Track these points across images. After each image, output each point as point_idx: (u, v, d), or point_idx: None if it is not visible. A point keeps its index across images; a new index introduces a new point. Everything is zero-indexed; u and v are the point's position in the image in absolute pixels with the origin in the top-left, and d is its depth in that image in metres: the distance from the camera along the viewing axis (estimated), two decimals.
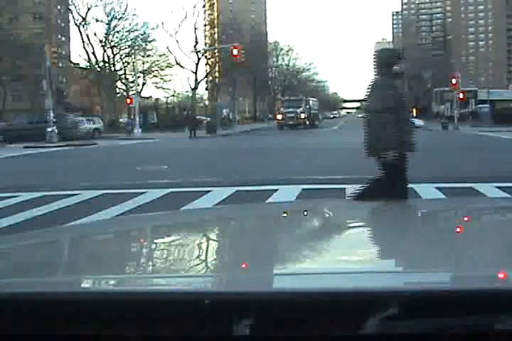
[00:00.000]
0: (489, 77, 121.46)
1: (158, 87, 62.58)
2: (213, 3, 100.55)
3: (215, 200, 8.36)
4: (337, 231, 1.52)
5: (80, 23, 54.63)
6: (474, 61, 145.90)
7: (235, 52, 36.57)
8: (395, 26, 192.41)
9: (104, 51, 55.88)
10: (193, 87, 57.08)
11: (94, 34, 61.17)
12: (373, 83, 5.31)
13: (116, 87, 58.37)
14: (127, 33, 57.75)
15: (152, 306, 0.83)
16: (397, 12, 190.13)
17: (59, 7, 67.81)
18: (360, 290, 0.84)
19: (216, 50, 60.84)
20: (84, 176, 12.60)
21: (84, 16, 54.58)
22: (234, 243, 1.45)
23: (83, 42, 61.82)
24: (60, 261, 1.32)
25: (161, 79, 61.09)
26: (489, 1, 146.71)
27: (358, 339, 0.79)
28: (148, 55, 59.30)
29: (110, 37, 56.48)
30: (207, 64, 63.21)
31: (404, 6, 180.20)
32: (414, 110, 56.73)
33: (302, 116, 47.11)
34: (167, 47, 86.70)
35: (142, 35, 58.60)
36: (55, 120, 29.96)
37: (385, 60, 5.31)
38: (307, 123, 47.64)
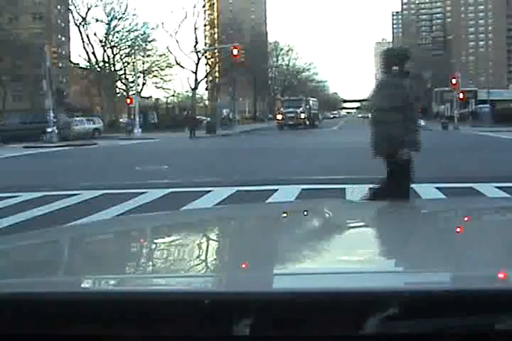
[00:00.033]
0: (489, 77, 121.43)
1: (158, 87, 62.69)
2: (213, 3, 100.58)
3: (215, 200, 8.36)
4: (337, 231, 1.52)
5: (80, 23, 54.74)
6: (474, 61, 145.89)
7: (235, 52, 36.57)
8: (395, 26, 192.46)
9: (104, 51, 55.96)
10: (193, 87, 57.14)
11: (94, 34, 61.29)
12: (380, 82, 5.31)
13: (116, 87, 58.41)
14: (127, 33, 57.88)
15: (152, 306, 0.83)
16: (397, 12, 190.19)
17: (59, 7, 67.80)
18: (360, 290, 0.84)
19: (216, 50, 60.86)
20: (84, 176, 12.60)
21: (84, 16, 54.70)
22: (234, 243, 1.45)
23: (83, 42, 61.96)
24: (60, 261, 1.32)
25: (161, 79, 61.19)
26: (489, 1, 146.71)
27: (358, 339, 0.78)
28: (148, 55, 59.39)
29: (110, 37, 56.57)
30: (207, 64, 63.24)
31: (404, 6, 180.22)
32: None
33: (302, 116, 47.10)
34: (167, 47, 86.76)
35: (142, 35, 58.72)
36: (55, 120, 30.01)
37: (392, 59, 5.31)
38: (307, 123, 47.62)
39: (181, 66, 58.77)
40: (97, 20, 57.31)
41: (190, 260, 1.22)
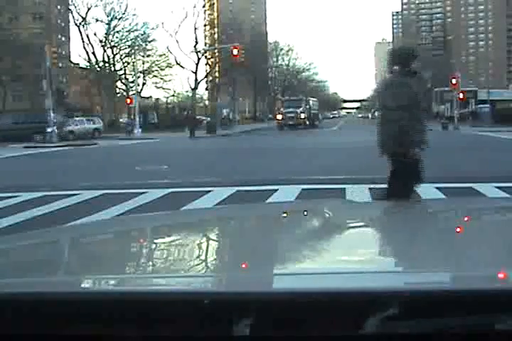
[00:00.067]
0: (489, 77, 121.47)
1: (158, 87, 62.71)
2: (213, 3, 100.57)
3: (215, 200, 8.36)
4: (337, 231, 1.52)
5: (80, 23, 54.75)
6: (474, 61, 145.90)
7: (235, 52, 36.57)
8: (395, 26, 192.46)
9: (104, 51, 55.97)
10: (193, 87, 57.14)
11: (94, 34, 61.26)
12: (388, 81, 5.33)
13: (116, 87, 58.42)
14: (127, 33, 57.90)
15: (152, 306, 0.83)
16: (397, 12, 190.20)
17: (59, 7, 67.80)
18: (360, 290, 0.84)
19: (216, 50, 60.85)
20: (84, 176, 12.60)
21: (84, 16, 54.72)
22: (234, 243, 1.45)
23: (83, 42, 61.97)
24: (60, 261, 1.32)
25: (161, 79, 61.20)
26: (489, 1, 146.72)
27: (358, 339, 0.78)
28: (148, 55, 59.40)
29: (110, 37, 56.58)
30: (207, 64, 63.24)
31: (404, 6, 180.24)
32: None
33: (302, 116, 47.10)
34: (167, 47, 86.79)
35: (142, 35, 58.74)
36: (55, 120, 30.02)
37: (400, 58, 5.32)
38: (307, 123, 47.62)
39: (181, 66, 58.82)
40: (97, 20, 57.37)
41: (190, 260, 1.22)
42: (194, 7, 69.15)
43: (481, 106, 48.13)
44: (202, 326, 0.81)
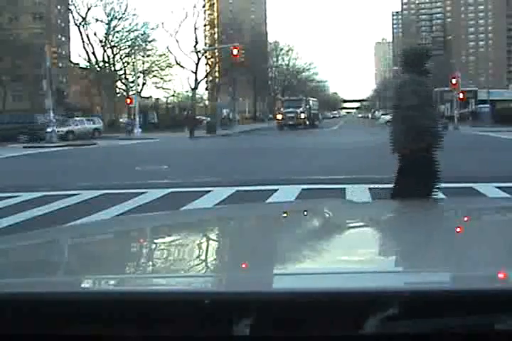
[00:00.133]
0: (489, 77, 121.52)
1: (158, 87, 62.70)
2: (213, 3, 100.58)
3: (215, 200, 8.36)
4: (337, 231, 1.52)
5: (80, 23, 54.72)
6: (474, 61, 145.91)
7: (235, 52, 36.55)
8: (395, 26, 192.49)
9: (104, 51, 55.95)
10: (193, 87, 57.11)
11: (94, 34, 61.24)
12: (402, 80, 5.38)
13: (116, 87, 58.39)
14: (127, 33, 57.87)
15: (152, 306, 0.83)
16: (397, 12, 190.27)
17: (59, 7, 67.79)
18: (360, 290, 0.84)
19: (216, 50, 60.87)
20: (84, 176, 12.60)
21: (84, 16, 54.69)
22: (234, 243, 1.45)
23: (83, 42, 61.92)
24: (60, 261, 1.32)
25: (161, 79, 61.18)
26: (489, 1, 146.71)
27: (358, 339, 0.78)
28: (148, 55, 59.38)
29: (110, 37, 56.56)
30: (207, 64, 63.23)
31: (404, 6, 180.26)
32: None
33: (302, 116, 47.10)
34: (167, 47, 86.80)
35: (142, 35, 58.71)
36: (54, 120, 30.04)
37: (413, 57, 5.40)
38: (307, 123, 47.62)
39: (181, 66, 58.81)
40: (97, 20, 57.45)
41: (190, 260, 1.23)
42: (194, 7, 69.16)
43: (481, 106, 48.11)
44: (202, 326, 0.81)
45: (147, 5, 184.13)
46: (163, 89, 63.34)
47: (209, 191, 9.32)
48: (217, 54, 62.88)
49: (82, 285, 1.01)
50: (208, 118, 47.16)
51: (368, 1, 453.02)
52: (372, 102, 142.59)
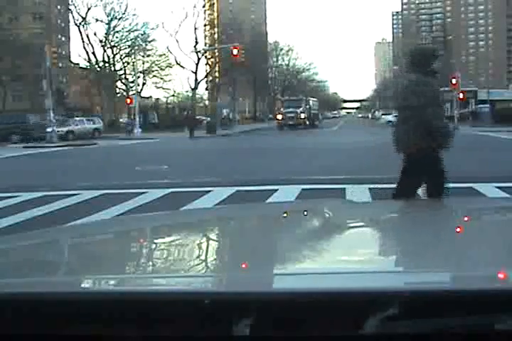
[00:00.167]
0: (489, 77, 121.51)
1: (158, 87, 62.70)
2: (213, 3, 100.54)
3: (215, 200, 8.36)
4: (337, 231, 1.52)
5: (80, 23, 54.72)
6: (474, 61, 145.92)
7: (235, 52, 36.56)
8: (395, 26, 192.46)
9: (104, 51, 55.94)
10: (193, 87, 57.11)
11: (94, 34, 61.27)
12: (409, 81, 5.40)
13: (116, 87, 58.40)
14: (127, 33, 57.88)
15: (152, 306, 0.83)
16: (397, 12, 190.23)
17: (59, 7, 67.80)
18: (360, 290, 0.84)
19: (216, 50, 60.87)
20: (84, 176, 12.60)
21: (84, 16, 54.68)
22: (234, 243, 1.45)
23: (83, 42, 61.91)
24: (60, 261, 1.32)
25: (161, 79, 61.19)
26: (489, 1, 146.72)
27: (358, 339, 0.78)
28: (148, 55, 59.39)
29: (110, 37, 56.55)
30: (207, 64, 63.23)
31: (404, 6, 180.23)
32: None
33: (302, 116, 47.10)
34: (167, 47, 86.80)
35: (142, 35, 58.72)
36: (55, 120, 30.08)
37: (420, 57, 5.41)
38: (307, 123, 47.62)
39: (181, 66, 58.81)
40: (97, 20, 57.45)
41: (190, 260, 1.23)
42: (194, 7, 69.18)
43: (481, 106, 48.12)
44: (202, 326, 0.81)
45: (147, 5, 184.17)
46: (163, 89, 63.42)
47: (209, 191, 9.32)
48: (217, 54, 62.88)
49: (82, 285, 1.01)
50: (208, 118, 47.17)
51: (367, 1, 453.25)
52: (372, 102, 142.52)
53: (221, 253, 1.36)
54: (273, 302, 0.82)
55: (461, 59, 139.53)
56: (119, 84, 58.89)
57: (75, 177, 12.58)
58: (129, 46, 57.29)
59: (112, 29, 56.60)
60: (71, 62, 67.07)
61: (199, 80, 57.53)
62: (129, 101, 43.68)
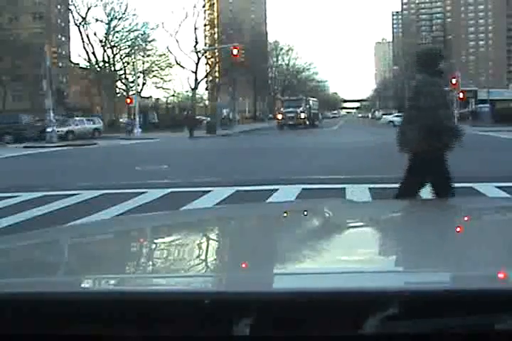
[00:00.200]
0: (489, 77, 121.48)
1: (158, 87, 62.72)
2: (213, 3, 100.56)
3: (215, 200, 8.36)
4: (337, 231, 1.52)
5: (80, 23, 54.72)
6: (474, 61, 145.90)
7: (235, 52, 36.56)
8: (395, 26, 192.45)
9: (104, 51, 55.94)
10: (193, 87, 57.11)
11: (94, 34, 61.35)
12: (417, 81, 5.44)
13: (116, 87, 58.40)
14: (127, 33, 57.90)
15: (152, 306, 0.83)
16: (397, 12, 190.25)
17: (59, 7, 67.78)
18: (360, 290, 0.84)
19: (216, 50, 60.87)
20: (84, 176, 12.60)
21: (84, 16, 54.69)
22: (234, 243, 1.45)
23: (83, 42, 61.96)
24: (60, 261, 1.32)
25: (161, 79, 61.21)
26: (489, 1, 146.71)
27: (358, 339, 0.78)
28: (148, 55, 59.41)
29: (110, 37, 56.56)
30: (207, 64, 63.23)
31: (404, 6, 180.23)
32: None
33: (302, 115, 47.13)
34: (167, 47, 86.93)
35: (142, 35, 58.75)
36: (55, 120, 30.09)
37: (427, 58, 5.46)
38: (307, 123, 47.64)
39: (181, 66, 58.85)
40: (97, 20, 57.50)
41: (190, 260, 1.22)
42: (194, 7, 69.20)
43: (481, 105, 48.14)
44: (202, 326, 0.81)
45: (147, 5, 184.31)
46: (163, 89, 63.43)
47: (209, 191, 9.32)
48: (217, 54, 62.88)
49: (82, 285, 1.01)
50: (208, 118, 47.18)
51: (367, 1, 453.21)
52: (372, 102, 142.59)
53: (221, 253, 1.36)
54: (273, 302, 0.82)
55: (461, 59, 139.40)
56: (119, 84, 58.93)
57: (74, 177, 12.58)
58: (129, 46, 57.31)
59: (112, 29, 56.65)
60: (71, 62, 67.07)
61: (199, 80, 57.57)
62: (129, 101, 43.69)
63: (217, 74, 68.20)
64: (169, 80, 63.88)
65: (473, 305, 0.79)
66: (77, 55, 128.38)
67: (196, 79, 56.47)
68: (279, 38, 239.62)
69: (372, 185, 9.29)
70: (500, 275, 0.94)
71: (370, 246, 1.33)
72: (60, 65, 50.41)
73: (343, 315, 0.79)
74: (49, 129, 29.20)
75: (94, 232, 1.69)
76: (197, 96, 65.61)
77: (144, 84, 58.30)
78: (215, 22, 78.96)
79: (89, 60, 55.69)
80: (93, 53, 55.10)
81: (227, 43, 49.26)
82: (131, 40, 57.67)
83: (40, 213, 7.59)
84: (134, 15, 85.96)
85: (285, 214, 1.93)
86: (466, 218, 1.82)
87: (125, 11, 58.54)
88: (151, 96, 64.42)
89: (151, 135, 35.18)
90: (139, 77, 50.73)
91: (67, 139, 31.32)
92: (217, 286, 1.02)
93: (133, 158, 18.44)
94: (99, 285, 1.02)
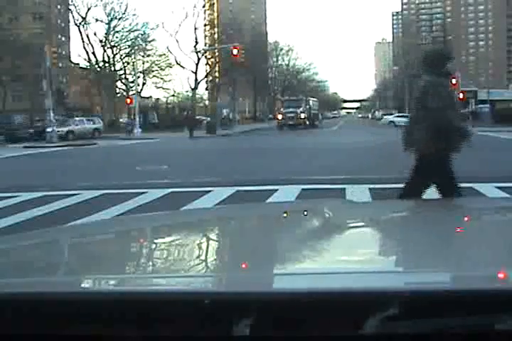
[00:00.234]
0: (489, 77, 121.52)
1: (158, 87, 62.72)
2: (213, 3, 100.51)
3: (215, 200, 8.36)
4: (337, 231, 1.52)
5: (80, 23, 54.70)
6: (474, 61, 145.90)
7: (235, 52, 36.56)
8: (395, 26, 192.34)
9: (104, 51, 55.93)
10: (193, 87, 57.12)
11: (94, 34, 61.35)
12: (424, 82, 5.46)
13: (116, 87, 58.40)
14: (127, 33, 57.89)
15: (152, 306, 0.83)
16: (397, 12, 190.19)
17: (59, 7, 67.78)
18: (360, 290, 0.84)
19: (216, 50, 60.86)
20: (84, 176, 12.60)
21: (84, 16, 54.67)
22: (234, 243, 1.45)
23: (83, 42, 61.96)
24: (60, 261, 1.32)
25: (161, 79, 61.21)
26: (489, 1, 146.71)
27: (358, 339, 0.78)
28: (148, 55, 59.40)
29: (110, 37, 56.55)
30: (207, 64, 63.22)
31: (404, 6, 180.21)
32: None
33: (302, 116, 47.12)
34: (167, 47, 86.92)
35: (142, 35, 58.74)
36: (55, 120, 30.10)
37: (434, 59, 5.49)
38: (307, 123, 47.63)
39: (181, 66, 58.89)
40: (97, 20, 57.51)
41: (190, 260, 1.22)
42: (194, 7, 69.29)
43: (481, 106, 48.20)
44: (202, 326, 0.81)
45: (147, 5, 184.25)
46: (163, 89, 63.43)
47: (209, 191, 9.32)
48: (217, 54, 62.87)
49: (82, 285, 1.01)
50: (208, 118, 47.17)
51: (368, 1, 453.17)
52: (372, 102, 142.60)
53: (221, 253, 1.36)
54: (273, 302, 0.82)
55: (461, 59, 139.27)
56: (119, 84, 58.92)
57: (75, 177, 12.57)
58: (129, 46, 57.30)
59: (112, 29, 56.64)
60: (71, 62, 67.07)
61: (199, 80, 57.57)
62: (129, 101, 43.68)
63: (217, 74, 68.20)
64: (169, 80, 64.04)
65: (473, 305, 0.79)
66: (77, 55, 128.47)
67: (196, 79, 56.48)
68: (279, 38, 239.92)
69: (372, 186, 9.29)
70: (500, 276, 0.94)
71: (369, 246, 1.33)
72: (60, 65, 50.42)
73: (343, 315, 0.79)
74: (49, 129, 29.19)
75: (94, 232, 1.69)
76: (197, 96, 65.65)
77: (143, 84, 58.35)
78: (215, 22, 78.95)
79: (89, 60, 55.74)
80: (93, 53, 55.16)
81: (227, 43, 49.25)
82: (131, 40, 57.71)
83: (41, 213, 7.59)
84: (134, 15, 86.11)
85: (285, 215, 1.93)
86: (465, 218, 1.82)
87: (125, 11, 58.61)
88: (151, 96, 64.47)
89: (151, 135, 35.18)
90: (139, 77, 50.74)
91: (67, 139, 31.33)
92: (217, 286, 1.02)
93: (133, 158, 18.44)
94: (99, 285, 1.02)
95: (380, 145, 21.38)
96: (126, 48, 57.60)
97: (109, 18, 56.22)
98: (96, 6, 57.24)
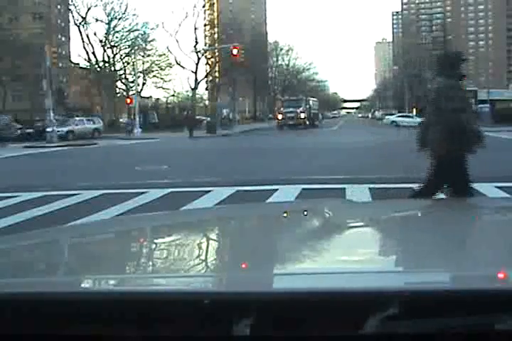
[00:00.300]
0: (489, 77, 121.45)
1: (158, 87, 62.72)
2: (213, 3, 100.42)
3: (215, 200, 8.35)
4: (337, 231, 1.52)
5: (80, 23, 54.71)
6: (474, 61, 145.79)
7: (235, 52, 36.56)
8: (395, 26, 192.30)
9: (104, 51, 55.94)
10: (193, 87, 57.12)
11: (94, 34, 61.31)
12: (438, 84, 5.50)
13: (116, 87, 58.40)
14: (127, 33, 57.90)
15: (152, 306, 0.83)
16: (397, 12, 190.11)
17: (59, 7, 67.75)
18: (360, 290, 0.84)
19: (216, 50, 60.86)
20: (84, 176, 12.60)
21: (84, 16, 54.68)
22: (234, 243, 1.45)
23: (83, 42, 61.95)
24: (60, 261, 1.32)
25: (161, 79, 61.21)
26: (489, 1, 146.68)
27: (358, 339, 0.78)
28: (148, 55, 59.41)
29: (110, 37, 56.56)
30: (207, 64, 63.23)
31: (404, 6, 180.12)
32: (415, 110, 56.71)
33: (302, 116, 47.12)
34: (167, 47, 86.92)
35: (142, 35, 58.75)
36: (55, 120, 30.11)
37: (449, 62, 5.54)
38: (307, 123, 47.63)
39: (181, 66, 59.02)
40: (97, 20, 57.45)
41: (190, 260, 1.22)
42: (194, 7, 69.20)
43: (481, 106, 48.13)
44: (202, 326, 0.81)
45: (147, 5, 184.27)
46: (163, 89, 63.44)
47: (209, 191, 9.31)
48: (217, 54, 62.86)
49: (82, 285, 1.01)
50: (208, 118, 47.17)
51: (367, 1, 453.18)
52: (372, 102, 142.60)
53: (221, 253, 1.36)
54: (273, 302, 0.82)
55: None
56: (119, 84, 58.93)
57: (74, 177, 12.57)
58: (129, 46, 57.31)
59: (112, 29, 56.64)
60: (71, 62, 67.05)
61: (199, 80, 57.58)
62: (129, 101, 43.70)
63: (217, 74, 68.19)
64: (169, 80, 63.91)
65: (473, 305, 0.79)
66: (77, 55, 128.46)
67: (196, 79, 56.49)
68: (279, 38, 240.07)
69: (372, 185, 9.29)
70: (500, 276, 0.94)
71: (369, 246, 1.33)
72: (60, 65, 50.42)
73: (343, 315, 0.79)
74: (49, 129, 29.19)
75: (94, 232, 1.69)
76: (197, 96, 65.66)
77: (143, 84, 58.35)
78: (215, 22, 78.89)
79: (89, 60, 55.73)
80: (93, 53, 55.16)
81: (227, 43, 49.24)
82: (131, 40, 57.71)
83: (41, 213, 7.59)
84: (134, 15, 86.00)
85: (285, 214, 1.93)
86: (466, 218, 1.82)
87: (125, 11, 58.68)
88: (151, 96, 64.48)
89: (151, 135, 35.18)
90: (139, 77, 50.74)
91: (68, 139, 31.33)
92: (217, 286, 1.02)
93: (133, 158, 18.44)
94: (99, 285, 1.02)
95: (380, 145, 21.39)
96: (126, 48, 57.65)
97: (109, 18, 56.29)
98: (96, 6, 57.37)
